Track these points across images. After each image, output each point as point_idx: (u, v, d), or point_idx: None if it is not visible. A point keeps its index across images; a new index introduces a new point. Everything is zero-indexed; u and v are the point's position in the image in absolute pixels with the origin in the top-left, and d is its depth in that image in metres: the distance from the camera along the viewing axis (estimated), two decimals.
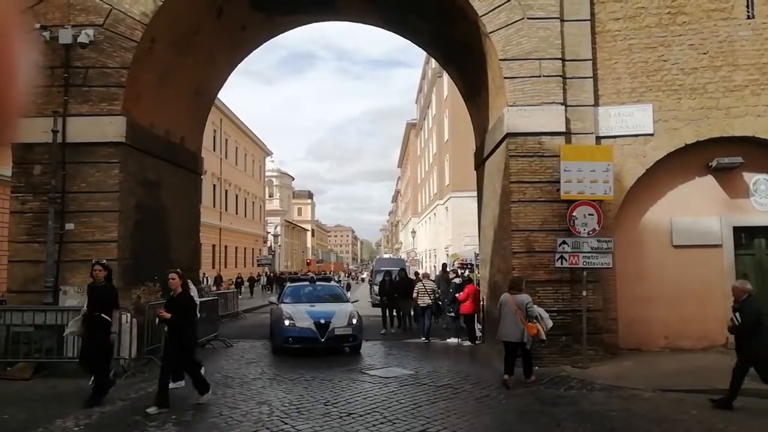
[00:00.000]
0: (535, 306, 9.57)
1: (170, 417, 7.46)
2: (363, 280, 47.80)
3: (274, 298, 15.57)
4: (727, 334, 11.64)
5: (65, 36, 10.94)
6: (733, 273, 11.86)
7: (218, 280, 30.99)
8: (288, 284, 16.09)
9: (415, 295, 16.25)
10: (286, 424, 7.18)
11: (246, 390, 9.15)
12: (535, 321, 9.30)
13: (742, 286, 8.08)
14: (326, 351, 12.13)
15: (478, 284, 15.04)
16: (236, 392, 8.98)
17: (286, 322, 12.37)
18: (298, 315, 12.49)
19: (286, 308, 13.06)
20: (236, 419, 7.41)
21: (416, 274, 21.09)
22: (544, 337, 9.57)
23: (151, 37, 11.77)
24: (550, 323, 9.57)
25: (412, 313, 17.67)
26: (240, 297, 23.50)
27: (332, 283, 17.58)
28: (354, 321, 12.62)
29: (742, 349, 7.83)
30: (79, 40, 10.96)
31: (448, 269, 19.85)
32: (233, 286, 29.61)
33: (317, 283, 16.01)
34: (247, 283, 36.27)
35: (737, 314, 7.87)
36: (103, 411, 7.79)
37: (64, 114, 11.09)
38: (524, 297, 9.46)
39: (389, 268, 23.14)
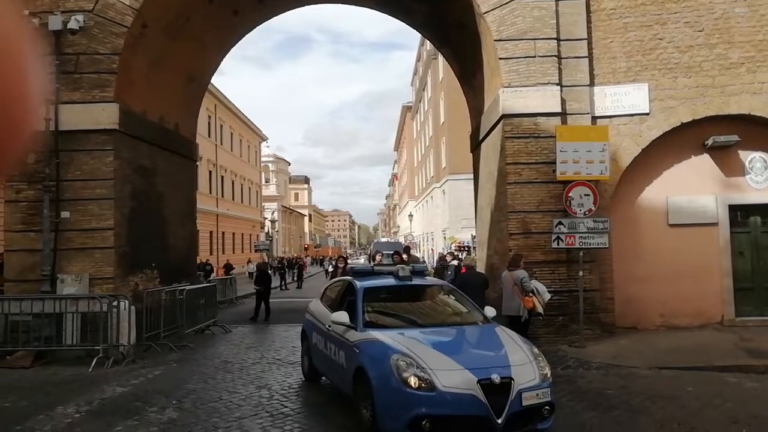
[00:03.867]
0: (533, 280, 9.73)
1: (171, 402, 7.51)
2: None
3: (335, 314, 7.03)
4: (723, 311, 11.80)
5: (55, 22, 10.82)
6: (728, 251, 11.93)
7: (200, 267, 26.95)
8: (356, 282, 7.65)
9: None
10: (285, 407, 7.24)
11: (245, 374, 9.21)
12: (531, 295, 9.46)
13: (467, 261, 11.84)
14: None
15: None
16: (236, 377, 9.03)
17: (412, 382, 5.49)
18: (437, 363, 5.65)
19: (397, 343, 6.03)
20: (236, 403, 7.46)
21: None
22: (541, 311, 9.65)
23: (142, 23, 11.64)
24: (547, 296, 9.68)
25: None
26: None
27: (429, 278, 9.81)
28: (547, 370, 6.10)
29: None
30: (69, 26, 10.84)
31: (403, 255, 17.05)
32: (202, 276, 21.91)
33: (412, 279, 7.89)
34: (221, 272, 28.77)
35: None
36: (104, 397, 7.84)
37: (56, 101, 11.00)
38: (520, 272, 9.69)
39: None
